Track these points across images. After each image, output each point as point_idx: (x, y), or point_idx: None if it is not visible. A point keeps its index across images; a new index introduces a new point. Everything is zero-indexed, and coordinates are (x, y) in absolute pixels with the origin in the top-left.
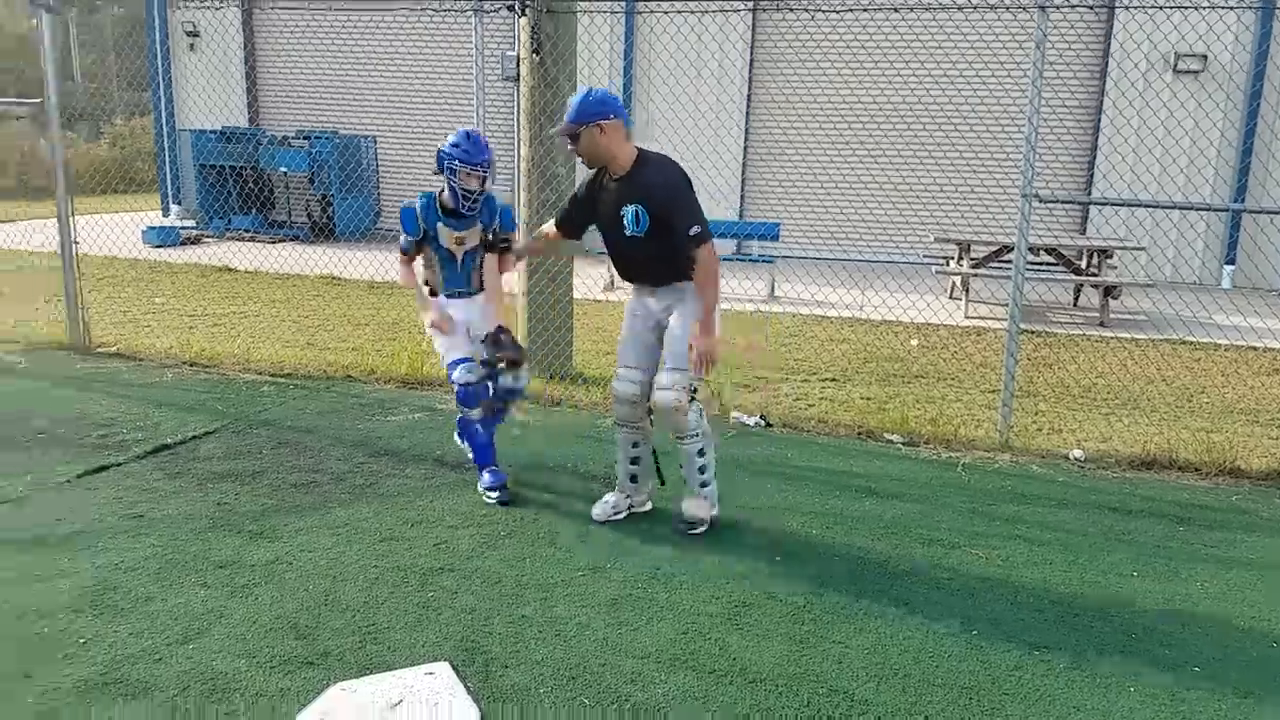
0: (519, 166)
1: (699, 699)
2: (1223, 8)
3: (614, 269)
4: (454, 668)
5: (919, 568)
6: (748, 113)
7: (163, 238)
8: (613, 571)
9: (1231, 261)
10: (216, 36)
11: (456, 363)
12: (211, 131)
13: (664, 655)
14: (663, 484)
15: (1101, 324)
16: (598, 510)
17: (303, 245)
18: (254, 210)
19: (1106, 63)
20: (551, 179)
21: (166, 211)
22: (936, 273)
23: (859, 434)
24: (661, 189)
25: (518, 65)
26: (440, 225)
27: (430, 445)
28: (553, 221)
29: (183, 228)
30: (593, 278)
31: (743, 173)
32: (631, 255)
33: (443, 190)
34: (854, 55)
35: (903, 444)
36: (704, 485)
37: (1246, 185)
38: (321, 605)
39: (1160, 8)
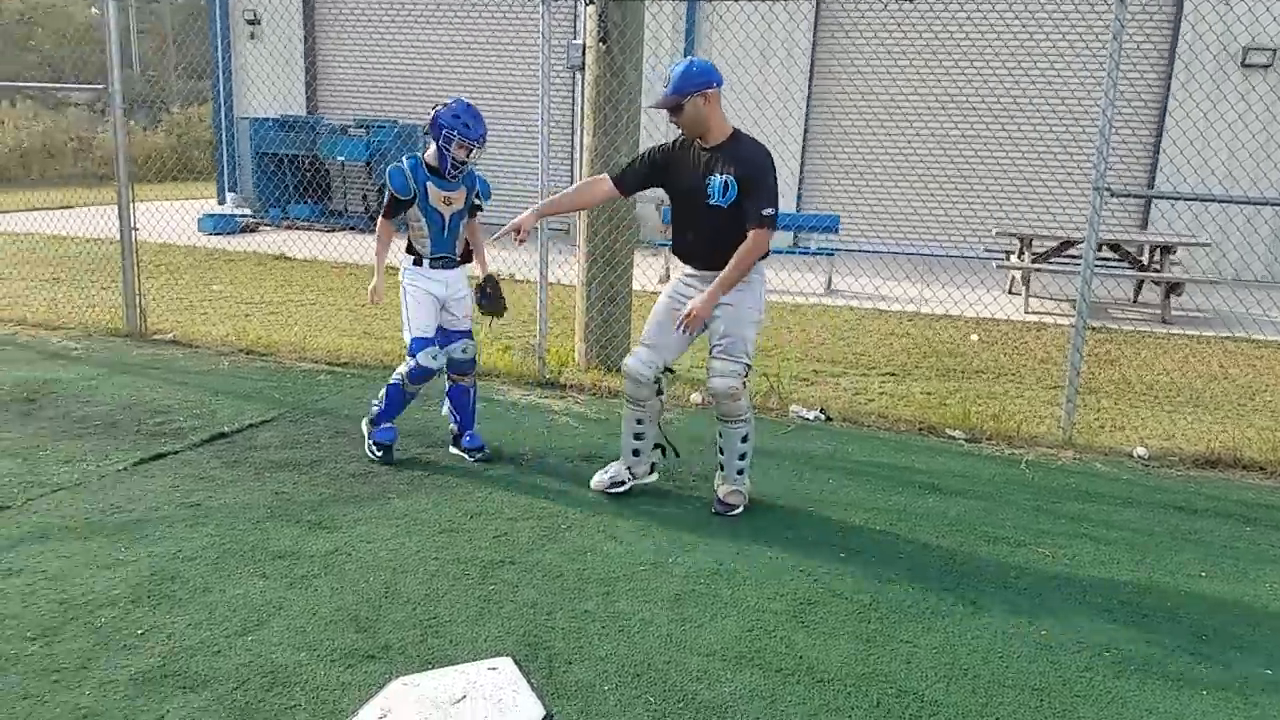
0: (581, 156)
1: (766, 699)
2: None
3: (673, 249)
4: (517, 663)
5: (984, 566)
6: (808, 103)
7: (219, 225)
8: (674, 567)
9: None
10: (278, 25)
11: (422, 343)
12: (270, 120)
13: (729, 653)
14: (678, 455)
15: (1163, 320)
16: (597, 480)
17: (359, 234)
18: (311, 199)
19: (1174, 55)
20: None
21: (223, 199)
22: (998, 267)
23: (920, 430)
24: (755, 166)
25: (583, 54)
26: (429, 184)
27: (487, 436)
28: (606, 175)
29: (239, 216)
30: (653, 268)
31: (801, 165)
32: (704, 228)
33: (428, 149)
34: (925, 44)
35: (965, 440)
36: (741, 472)
37: None
38: (382, 597)
39: None
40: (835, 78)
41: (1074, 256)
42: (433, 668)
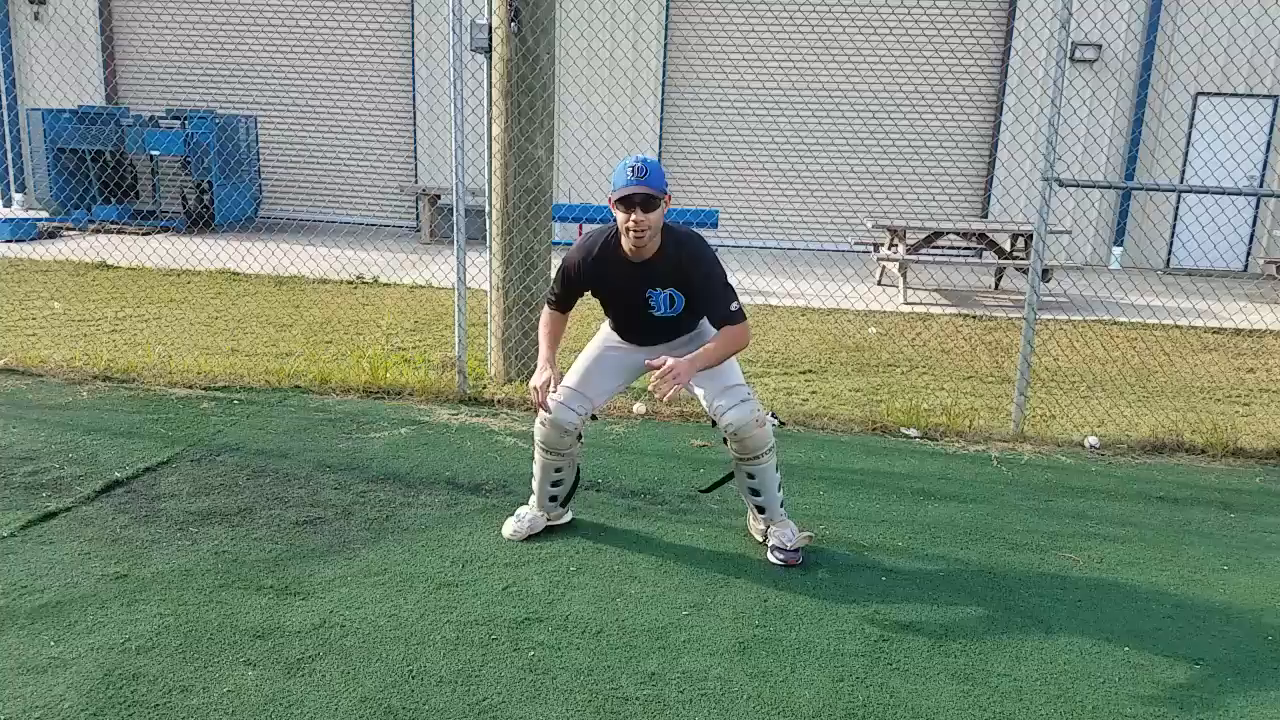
0: (490, 147)
1: None
2: None
3: (612, 327)
4: None
5: (1027, 579)
6: (663, 93)
7: (15, 231)
8: (718, 608)
9: (1120, 243)
10: (66, 4)
11: None
12: (67, 111)
13: (838, 713)
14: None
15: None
16: (511, 529)
17: (180, 237)
18: (118, 198)
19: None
20: (528, 162)
21: (9, 201)
22: (879, 260)
23: (874, 430)
24: (699, 266)
25: (489, 35)
26: None
27: (434, 466)
28: (549, 309)
29: (36, 220)
30: None
31: (659, 158)
32: (654, 330)
33: None
34: (784, 35)
35: (921, 438)
36: (783, 504)
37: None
38: (408, 679)
39: None
40: (691, 66)
41: (943, 247)
42: None
